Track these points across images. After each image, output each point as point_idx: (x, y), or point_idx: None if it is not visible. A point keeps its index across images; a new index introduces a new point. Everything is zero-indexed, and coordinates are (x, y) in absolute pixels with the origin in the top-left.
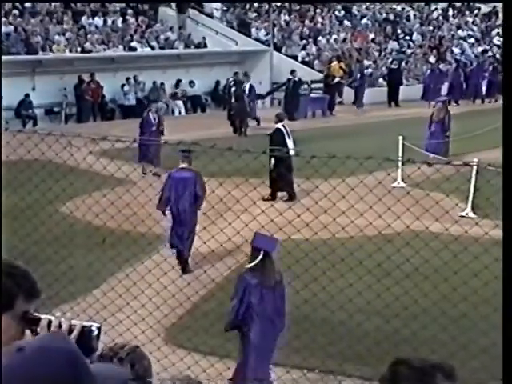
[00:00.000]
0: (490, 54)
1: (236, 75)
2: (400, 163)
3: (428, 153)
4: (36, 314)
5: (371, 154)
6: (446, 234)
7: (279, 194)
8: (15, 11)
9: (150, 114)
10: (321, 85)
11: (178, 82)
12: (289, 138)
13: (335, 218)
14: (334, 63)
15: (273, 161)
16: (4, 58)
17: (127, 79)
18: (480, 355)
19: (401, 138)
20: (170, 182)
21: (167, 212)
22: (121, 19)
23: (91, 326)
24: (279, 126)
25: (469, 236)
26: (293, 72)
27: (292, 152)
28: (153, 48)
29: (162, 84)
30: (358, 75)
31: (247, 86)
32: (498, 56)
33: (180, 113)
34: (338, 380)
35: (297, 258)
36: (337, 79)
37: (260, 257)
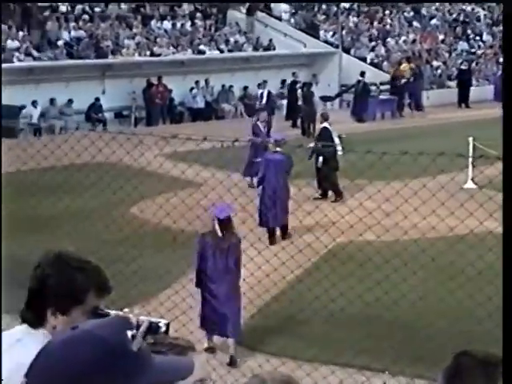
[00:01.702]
0: None
1: (294, 75)
2: (470, 163)
3: None
4: (106, 310)
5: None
6: None
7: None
8: (85, 16)
9: (258, 123)
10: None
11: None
12: (335, 136)
13: (407, 216)
14: (404, 64)
15: (321, 159)
16: (74, 62)
17: (196, 82)
18: None
19: (471, 138)
20: (266, 163)
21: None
22: (189, 22)
23: (159, 322)
24: (325, 124)
25: None
26: (362, 74)
27: (340, 150)
28: (221, 51)
29: (231, 87)
30: (412, 78)
31: (265, 93)
32: None
33: None
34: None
35: (360, 262)
36: (404, 80)
37: (215, 223)
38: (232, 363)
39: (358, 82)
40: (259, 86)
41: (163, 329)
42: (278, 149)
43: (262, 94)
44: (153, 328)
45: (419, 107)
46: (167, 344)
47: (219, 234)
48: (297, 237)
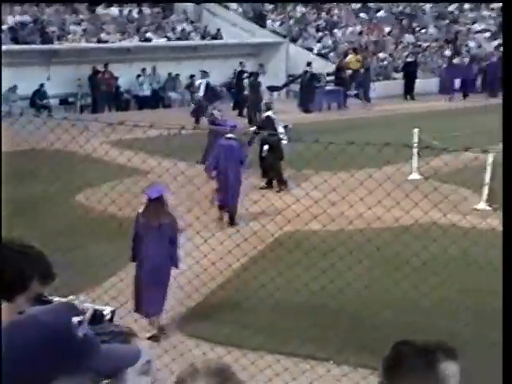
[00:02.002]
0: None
1: (241, 64)
2: (416, 154)
3: None
4: (49, 297)
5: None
6: (456, 226)
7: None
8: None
9: (214, 112)
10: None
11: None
12: (279, 125)
13: (352, 206)
14: (350, 55)
15: (265, 147)
16: (19, 47)
17: (143, 70)
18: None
19: (416, 130)
20: (219, 149)
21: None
22: (137, 10)
23: (104, 309)
24: (268, 113)
25: (485, 226)
26: (309, 64)
27: (285, 139)
28: (169, 39)
29: (178, 75)
30: (362, 70)
31: (203, 83)
32: None
33: None
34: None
35: (305, 251)
36: (349, 71)
37: (146, 202)
38: (153, 337)
39: (305, 72)
40: (201, 76)
41: (108, 316)
42: (231, 135)
43: (199, 84)
44: (97, 315)
45: (367, 99)
46: (110, 332)
47: (149, 212)
48: (243, 225)
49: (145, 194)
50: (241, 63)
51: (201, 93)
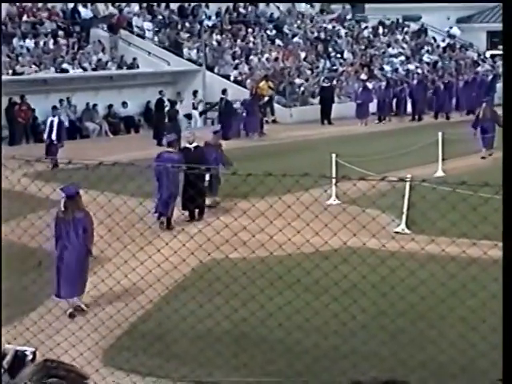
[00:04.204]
0: (419, 71)
1: (161, 93)
2: (334, 180)
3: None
4: None
5: (306, 171)
6: (382, 249)
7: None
8: None
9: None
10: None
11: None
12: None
13: (272, 236)
14: (262, 82)
15: (207, 177)
16: None
17: (60, 101)
18: (418, 370)
19: (334, 155)
20: (159, 162)
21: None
22: (52, 41)
23: (25, 350)
24: (195, 144)
25: (405, 251)
26: (224, 92)
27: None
28: (85, 69)
29: (95, 105)
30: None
31: (55, 121)
32: (426, 73)
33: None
34: None
35: (235, 277)
36: (266, 98)
37: (62, 199)
38: (73, 314)
39: (221, 99)
40: (52, 112)
41: (30, 357)
42: (170, 149)
43: (51, 122)
44: (19, 356)
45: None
46: (62, 376)
47: (62, 208)
48: (162, 258)
49: (61, 192)
50: (160, 92)
51: (53, 131)
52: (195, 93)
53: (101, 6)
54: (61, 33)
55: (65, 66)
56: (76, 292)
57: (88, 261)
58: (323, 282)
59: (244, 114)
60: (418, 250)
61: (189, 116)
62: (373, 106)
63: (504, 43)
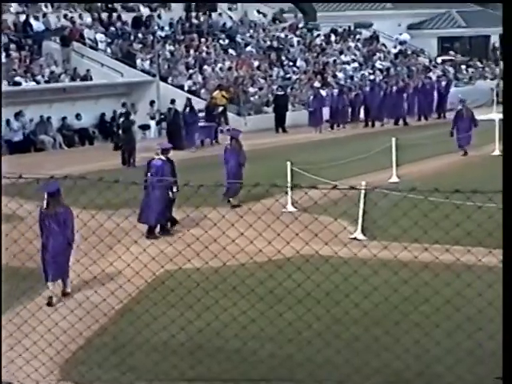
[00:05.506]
0: (371, 77)
1: (125, 106)
2: (289, 188)
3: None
4: None
5: (260, 180)
6: (336, 257)
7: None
8: None
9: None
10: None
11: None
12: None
13: (225, 247)
14: (216, 92)
15: (175, 189)
16: None
17: (15, 114)
18: (373, 376)
19: (289, 163)
20: (149, 168)
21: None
22: (4, 54)
23: None
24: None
25: (358, 258)
26: (173, 102)
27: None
28: (38, 82)
29: (49, 118)
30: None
31: None
32: (377, 80)
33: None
34: None
35: (189, 288)
36: (220, 108)
37: (45, 196)
38: (65, 294)
39: (169, 109)
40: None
41: None
42: (161, 156)
43: None
44: None
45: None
46: None
47: (45, 205)
48: (116, 271)
49: (43, 190)
50: (124, 104)
51: None
52: (152, 103)
53: (52, 19)
54: (13, 46)
55: (17, 78)
56: (61, 274)
57: (69, 250)
58: (277, 292)
59: (199, 123)
60: (371, 257)
61: (144, 127)
62: (326, 114)
63: (504, 43)
